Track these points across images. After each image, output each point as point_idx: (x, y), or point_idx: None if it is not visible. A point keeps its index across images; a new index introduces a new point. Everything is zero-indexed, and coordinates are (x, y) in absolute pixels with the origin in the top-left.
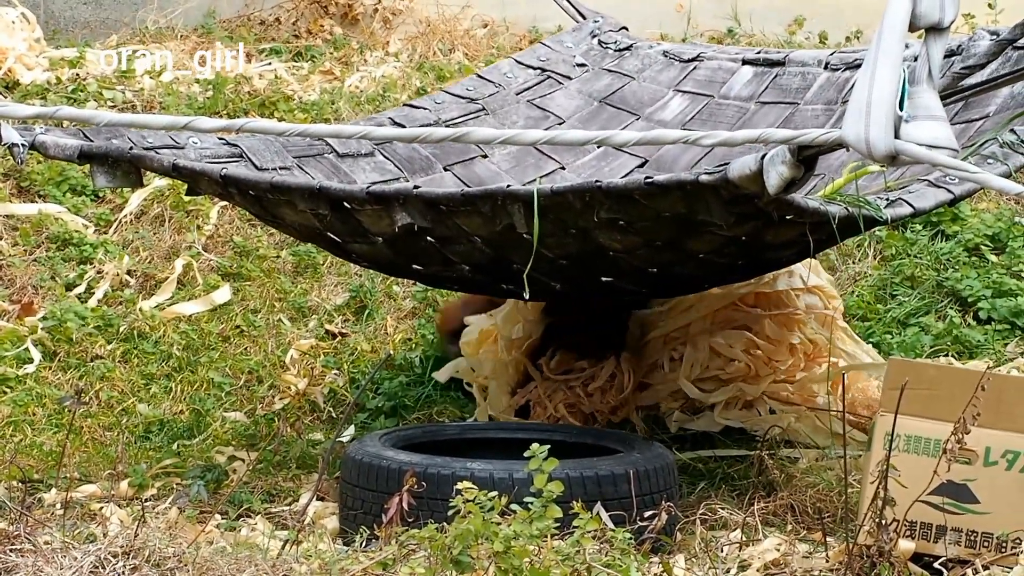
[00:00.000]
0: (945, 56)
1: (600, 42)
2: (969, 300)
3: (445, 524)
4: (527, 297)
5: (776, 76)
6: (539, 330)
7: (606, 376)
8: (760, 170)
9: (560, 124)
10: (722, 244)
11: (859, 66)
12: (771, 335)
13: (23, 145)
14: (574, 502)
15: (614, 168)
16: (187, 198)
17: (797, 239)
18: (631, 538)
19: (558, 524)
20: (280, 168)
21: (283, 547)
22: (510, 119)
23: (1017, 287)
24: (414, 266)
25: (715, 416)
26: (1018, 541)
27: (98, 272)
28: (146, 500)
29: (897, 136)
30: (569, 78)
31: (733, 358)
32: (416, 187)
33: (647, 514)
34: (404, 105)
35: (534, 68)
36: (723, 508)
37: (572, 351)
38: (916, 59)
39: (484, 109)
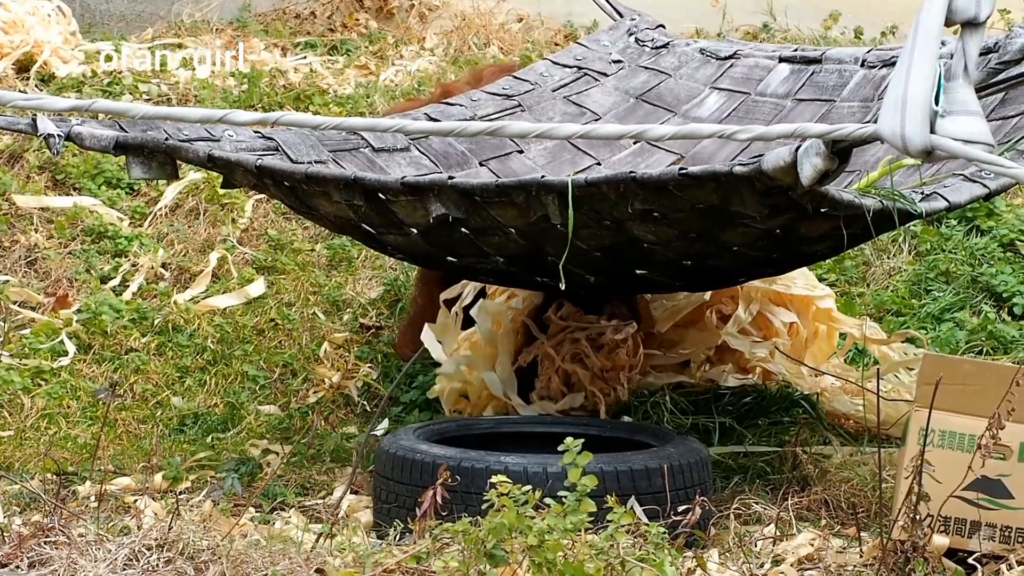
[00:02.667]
0: (981, 54)
1: (637, 40)
2: (1004, 295)
3: (479, 518)
4: (563, 287)
5: (813, 73)
6: (540, 295)
7: (618, 335)
8: (794, 162)
9: (596, 120)
10: (756, 237)
11: (895, 64)
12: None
13: (59, 136)
14: (608, 496)
15: (650, 164)
16: (222, 191)
17: (831, 232)
18: (665, 532)
19: (592, 518)
20: (315, 162)
21: (317, 540)
22: (546, 115)
23: None
24: (449, 258)
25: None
26: None
27: (133, 265)
28: (180, 493)
29: (933, 131)
30: (605, 75)
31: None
32: (451, 177)
33: (681, 508)
34: (440, 102)
35: (570, 67)
36: (757, 503)
37: (578, 306)
38: (952, 55)
39: (520, 106)
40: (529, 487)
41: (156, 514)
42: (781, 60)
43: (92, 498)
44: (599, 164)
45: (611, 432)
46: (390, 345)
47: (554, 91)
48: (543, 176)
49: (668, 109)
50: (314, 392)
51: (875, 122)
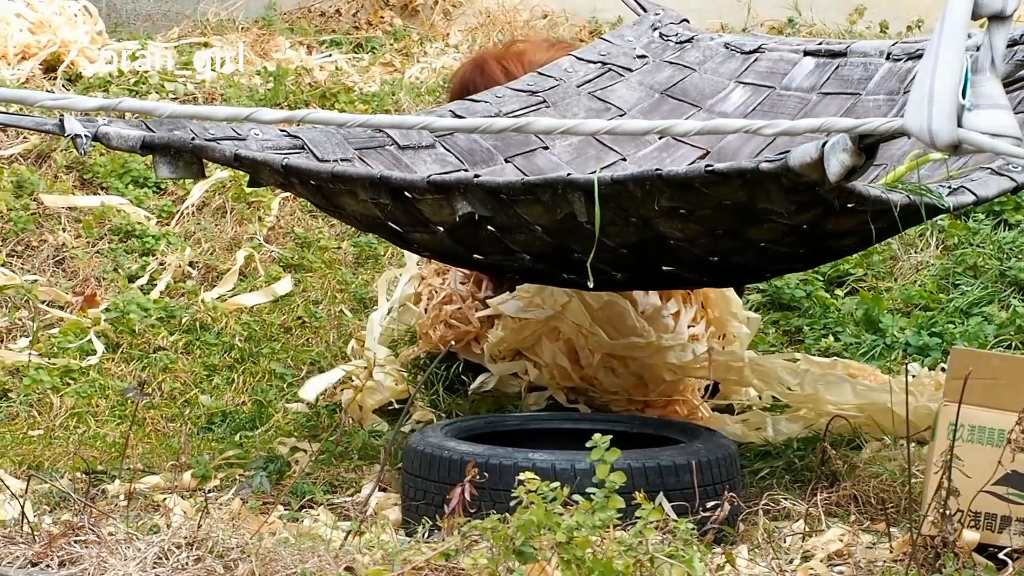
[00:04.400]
0: (1008, 45)
1: (661, 35)
2: None
3: (507, 515)
4: (591, 286)
5: (838, 67)
6: None
7: (488, 285)
8: (821, 158)
9: (621, 116)
10: (783, 233)
11: (921, 56)
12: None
13: (86, 136)
14: (636, 492)
15: (676, 159)
16: (248, 190)
17: (858, 228)
18: (694, 529)
19: (620, 515)
20: (341, 160)
21: (346, 538)
22: (571, 111)
23: None
24: (475, 256)
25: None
26: None
27: (160, 264)
28: (209, 491)
29: (960, 125)
30: (630, 70)
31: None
32: (477, 176)
33: (710, 504)
34: (465, 99)
35: (595, 62)
36: (786, 499)
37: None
38: (979, 48)
39: (545, 102)
40: (557, 484)
41: (185, 512)
42: (806, 54)
43: (121, 497)
44: (624, 160)
45: (639, 428)
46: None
47: (579, 87)
48: (569, 174)
49: (693, 104)
50: (342, 389)
51: (902, 116)
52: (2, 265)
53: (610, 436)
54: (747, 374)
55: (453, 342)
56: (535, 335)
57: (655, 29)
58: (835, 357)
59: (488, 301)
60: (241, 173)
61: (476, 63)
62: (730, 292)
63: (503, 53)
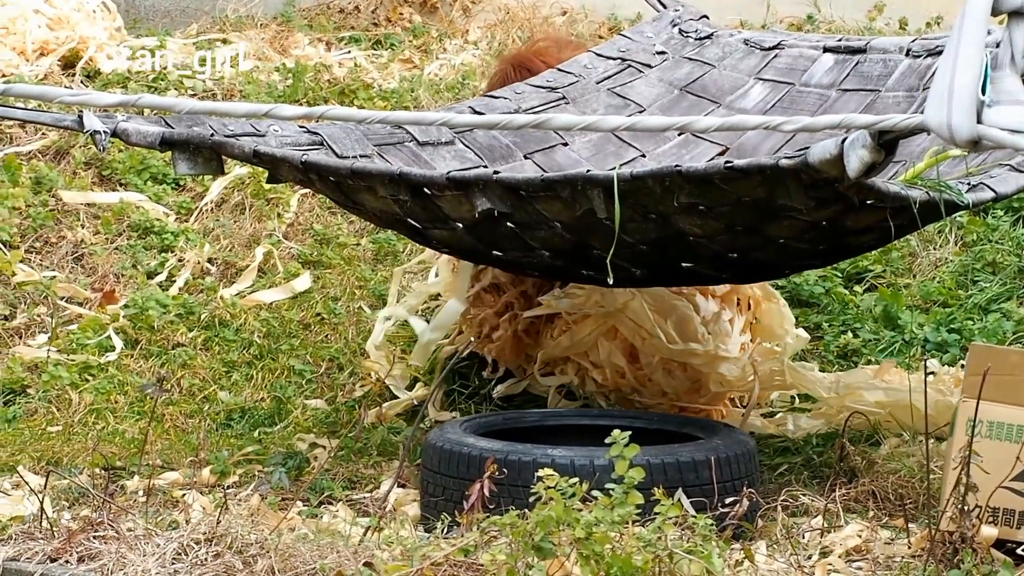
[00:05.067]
0: None
1: (681, 31)
2: None
3: (526, 511)
4: (611, 283)
5: (857, 63)
6: None
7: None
8: (840, 154)
9: (640, 112)
10: (803, 229)
11: (941, 53)
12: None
13: (105, 132)
14: (655, 488)
15: (695, 156)
16: (267, 186)
17: (878, 224)
18: (712, 524)
19: (639, 510)
20: (360, 156)
21: (365, 534)
22: (590, 107)
23: None
24: (494, 252)
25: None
26: None
27: (179, 260)
28: (228, 487)
29: (979, 121)
30: (649, 66)
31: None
32: (496, 172)
33: (728, 500)
34: (484, 95)
35: (614, 59)
36: (804, 494)
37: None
38: (999, 44)
39: (564, 98)
40: (576, 480)
41: (204, 508)
42: (825, 50)
43: (140, 493)
44: (643, 156)
45: (658, 424)
46: None
47: (598, 83)
48: (588, 170)
49: (712, 100)
50: (360, 386)
51: (922, 112)
52: (21, 261)
53: (629, 432)
54: (790, 379)
55: (473, 339)
56: (593, 336)
57: (675, 25)
58: (862, 367)
59: (541, 299)
60: (260, 169)
61: (519, 62)
62: (785, 309)
63: (535, 50)
